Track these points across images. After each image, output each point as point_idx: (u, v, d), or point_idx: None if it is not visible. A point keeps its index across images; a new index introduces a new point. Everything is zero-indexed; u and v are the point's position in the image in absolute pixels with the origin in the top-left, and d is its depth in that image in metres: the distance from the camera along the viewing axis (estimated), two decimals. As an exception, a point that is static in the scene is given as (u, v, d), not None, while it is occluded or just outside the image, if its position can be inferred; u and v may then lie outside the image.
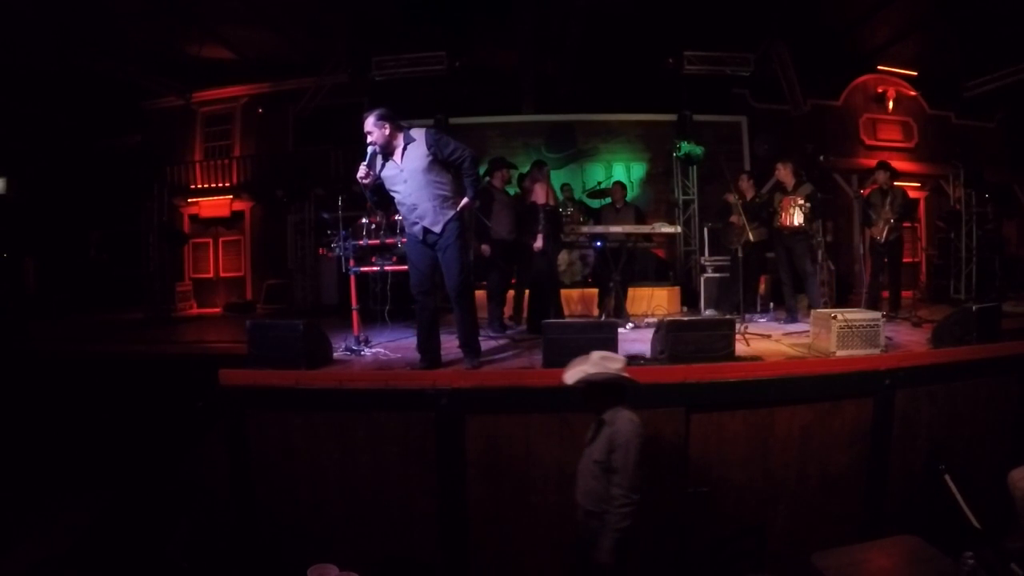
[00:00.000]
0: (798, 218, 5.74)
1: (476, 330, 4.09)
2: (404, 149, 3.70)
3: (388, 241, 4.86)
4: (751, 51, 8.99)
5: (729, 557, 3.54)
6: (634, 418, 2.77)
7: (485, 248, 5.48)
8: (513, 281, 7.60)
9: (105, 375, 5.24)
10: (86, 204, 11.34)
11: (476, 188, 3.87)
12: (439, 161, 3.71)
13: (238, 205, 11.39)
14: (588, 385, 2.78)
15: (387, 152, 3.72)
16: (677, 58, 8.79)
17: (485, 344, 5.00)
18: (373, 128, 3.64)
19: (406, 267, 4.82)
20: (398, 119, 3.74)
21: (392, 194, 3.83)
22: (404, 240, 4.65)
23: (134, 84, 10.34)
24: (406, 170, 3.71)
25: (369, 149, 3.68)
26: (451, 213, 3.76)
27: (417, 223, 3.78)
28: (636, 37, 8.91)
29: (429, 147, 3.68)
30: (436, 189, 3.73)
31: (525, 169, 6.52)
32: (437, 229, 3.75)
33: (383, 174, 3.79)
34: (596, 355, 2.83)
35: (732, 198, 6.23)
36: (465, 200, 3.83)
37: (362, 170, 3.68)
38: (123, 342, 6.43)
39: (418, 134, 3.74)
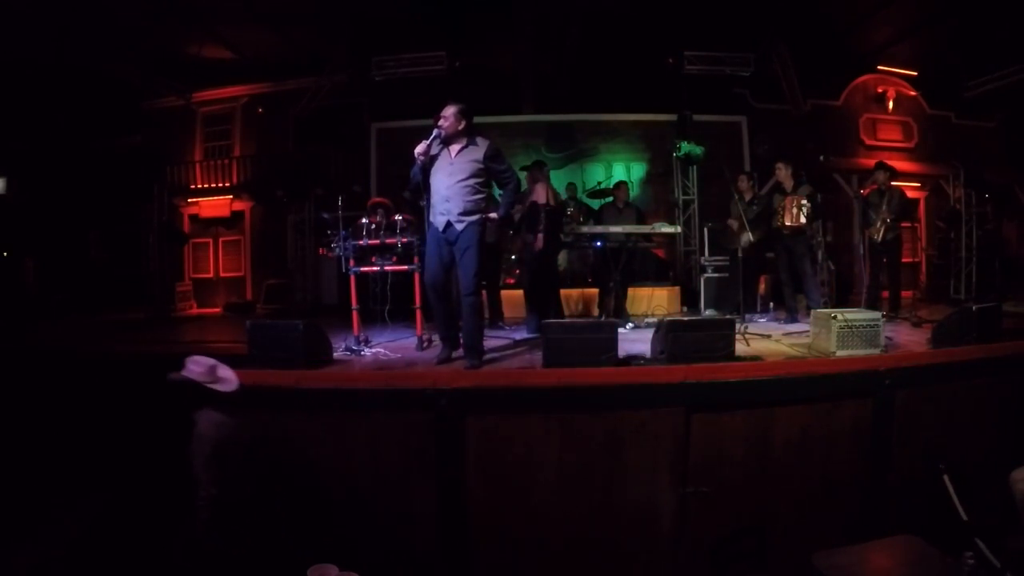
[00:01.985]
0: (803, 216, 5.75)
1: (481, 332, 4.16)
2: (463, 148, 3.96)
3: (388, 241, 4.86)
4: (751, 51, 8.99)
5: (729, 557, 3.54)
6: (214, 418, 2.93)
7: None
8: (512, 281, 7.62)
9: (105, 375, 5.23)
10: (86, 204, 11.34)
11: (508, 210, 4.10)
12: (487, 171, 3.99)
13: (238, 205, 11.40)
14: (179, 384, 2.98)
15: (446, 141, 3.96)
16: (677, 58, 8.80)
17: (486, 344, 5.03)
18: (451, 116, 3.90)
19: (406, 267, 4.85)
20: (472, 121, 4.03)
21: (430, 180, 4.03)
22: (404, 241, 4.70)
23: (134, 84, 10.35)
24: (455, 164, 3.95)
25: (434, 132, 3.91)
26: (476, 217, 3.95)
27: (444, 215, 3.96)
28: (636, 37, 8.91)
29: (486, 155, 3.96)
30: (473, 193, 3.96)
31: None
32: (459, 227, 3.92)
33: (435, 160, 4.01)
34: (188, 360, 3.13)
35: (733, 225, 6.29)
36: (493, 215, 4.04)
37: (422, 146, 3.92)
38: (123, 342, 6.42)
39: (481, 141, 4.02)
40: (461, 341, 4.17)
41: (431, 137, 3.91)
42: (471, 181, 3.92)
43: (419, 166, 4.00)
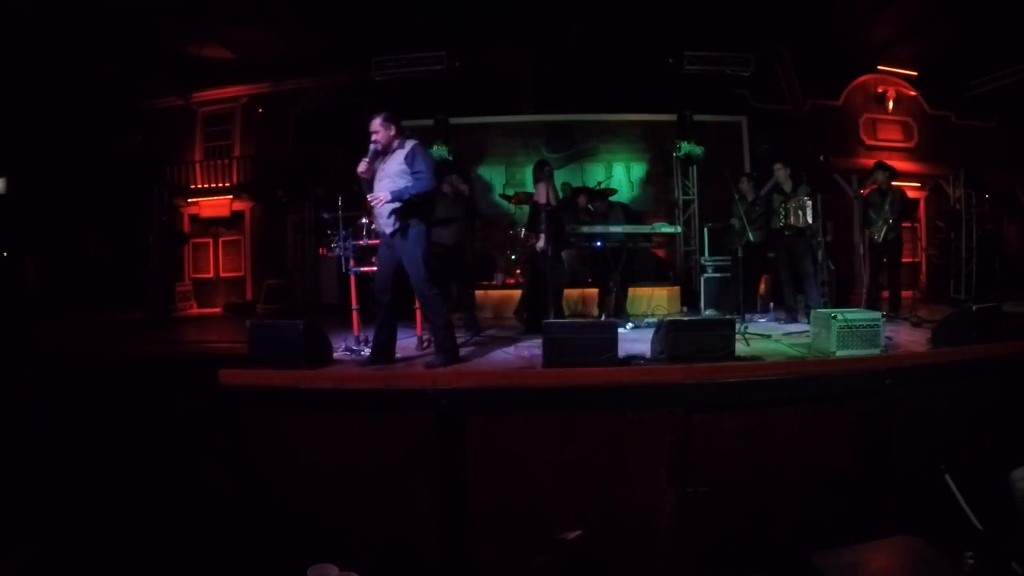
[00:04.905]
0: (808, 216, 5.75)
1: (447, 331, 4.06)
2: (394, 151, 3.95)
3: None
4: (751, 51, 8.99)
5: (729, 557, 3.54)
6: None
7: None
8: (511, 281, 7.62)
9: (105, 375, 5.23)
10: (86, 204, 11.35)
11: (398, 193, 3.82)
12: (411, 174, 3.89)
13: (238, 205, 11.40)
14: None
15: (384, 152, 3.97)
16: (677, 58, 8.79)
17: (485, 345, 5.00)
18: (380, 128, 3.90)
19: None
20: (402, 124, 3.99)
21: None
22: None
23: (134, 84, 10.36)
24: (385, 169, 3.96)
25: (371, 147, 3.93)
26: (409, 221, 3.89)
27: (379, 218, 3.99)
28: (636, 37, 8.92)
29: (406, 158, 3.90)
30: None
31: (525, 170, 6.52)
32: (388, 230, 3.94)
33: (377, 172, 4.01)
34: None
35: (736, 224, 6.27)
36: (394, 193, 3.82)
37: (363, 165, 3.95)
38: (123, 342, 6.42)
39: (408, 143, 3.96)
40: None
41: (370, 153, 3.92)
42: (399, 182, 3.87)
43: (366, 184, 4.01)
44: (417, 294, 3.98)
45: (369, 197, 3.88)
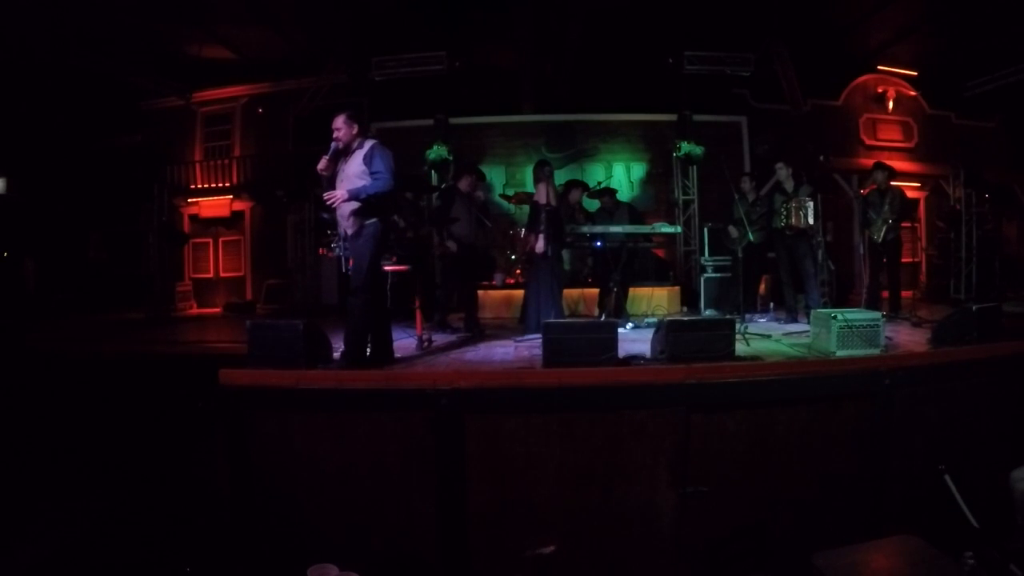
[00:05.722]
0: (809, 217, 5.75)
1: (360, 336, 4.00)
2: (354, 152, 3.92)
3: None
4: (751, 51, 8.99)
5: (729, 557, 3.54)
6: None
7: (451, 244, 5.65)
8: (511, 281, 7.61)
9: (105, 375, 5.23)
10: (86, 204, 11.35)
11: (355, 193, 3.81)
12: (369, 174, 3.86)
13: (238, 205, 11.40)
14: None
15: (344, 152, 3.94)
16: (677, 58, 8.80)
17: (485, 345, 4.98)
18: (342, 126, 3.89)
19: (406, 267, 4.85)
20: (364, 124, 4.00)
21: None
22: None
23: (134, 84, 10.37)
24: (346, 170, 3.92)
25: (332, 145, 3.91)
26: (366, 221, 3.87)
27: (341, 220, 3.97)
28: (636, 37, 8.92)
29: (364, 158, 3.86)
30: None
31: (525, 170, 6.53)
32: (350, 232, 3.93)
33: (339, 173, 3.99)
34: None
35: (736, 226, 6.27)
36: (351, 192, 3.80)
37: (323, 162, 3.91)
38: (123, 342, 6.42)
39: (368, 143, 3.93)
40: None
41: (331, 151, 3.89)
42: (357, 184, 3.82)
43: (325, 182, 3.97)
44: (350, 292, 3.94)
45: (325, 195, 3.84)
